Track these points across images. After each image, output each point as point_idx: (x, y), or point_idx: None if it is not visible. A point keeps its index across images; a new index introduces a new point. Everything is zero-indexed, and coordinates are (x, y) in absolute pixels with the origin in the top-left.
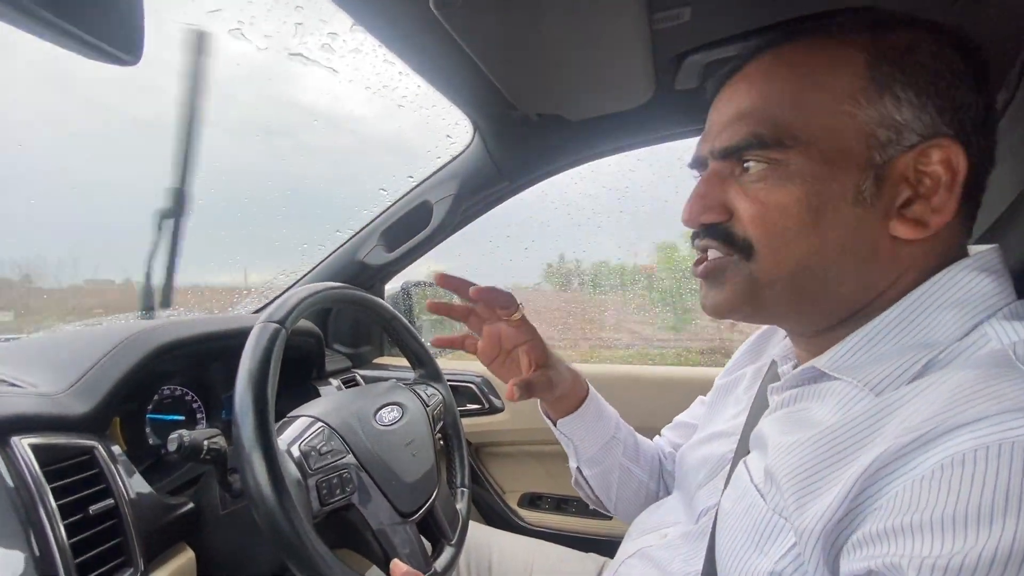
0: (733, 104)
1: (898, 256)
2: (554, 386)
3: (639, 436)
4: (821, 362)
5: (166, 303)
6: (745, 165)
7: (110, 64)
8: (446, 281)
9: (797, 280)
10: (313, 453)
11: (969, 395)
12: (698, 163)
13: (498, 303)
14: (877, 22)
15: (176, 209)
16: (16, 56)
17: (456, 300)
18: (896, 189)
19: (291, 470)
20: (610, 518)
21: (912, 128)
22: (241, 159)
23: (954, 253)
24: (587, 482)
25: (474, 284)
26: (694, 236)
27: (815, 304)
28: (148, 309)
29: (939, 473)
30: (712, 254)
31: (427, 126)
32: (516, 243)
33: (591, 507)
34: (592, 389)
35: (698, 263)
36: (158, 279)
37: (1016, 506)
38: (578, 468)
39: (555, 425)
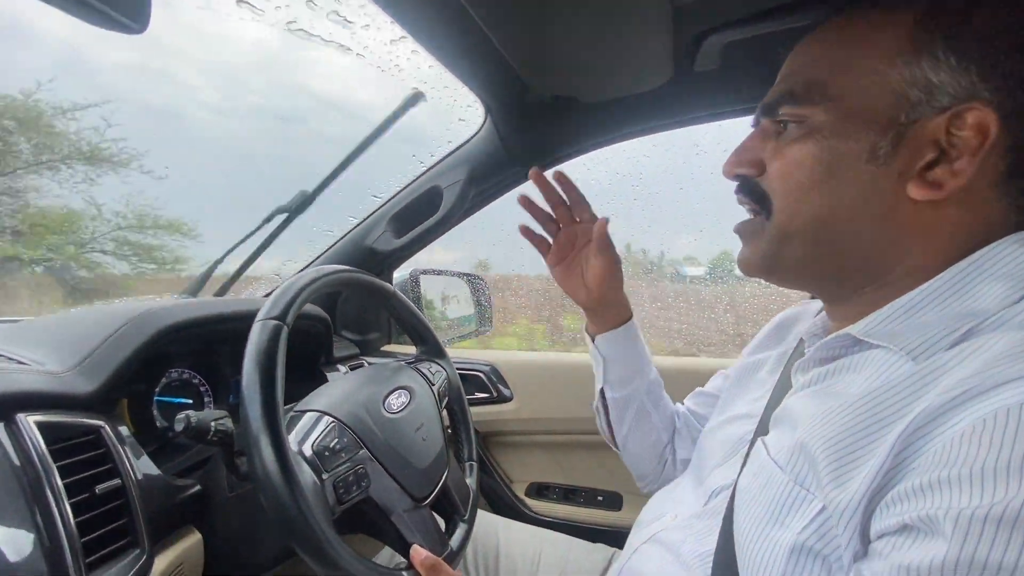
0: (786, 68)
1: (923, 221)
2: (614, 280)
3: (664, 393)
4: (856, 328)
5: (223, 291)
6: (783, 123)
7: (118, 32)
8: (539, 179)
9: (811, 236)
10: (327, 453)
11: (1014, 355)
12: (755, 122)
13: (578, 202)
14: None
15: (296, 209)
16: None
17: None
18: (920, 150)
19: (306, 472)
20: (619, 509)
21: (947, 90)
22: (254, 145)
23: (1000, 228)
24: (605, 407)
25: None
26: (735, 188)
27: (832, 262)
28: (194, 292)
29: (979, 427)
30: (743, 200)
31: (440, 113)
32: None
33: (605, 438)
34: (634, 320)
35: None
36: (231, 266)
37: None
38: (601, 390)
39: (593, 341)
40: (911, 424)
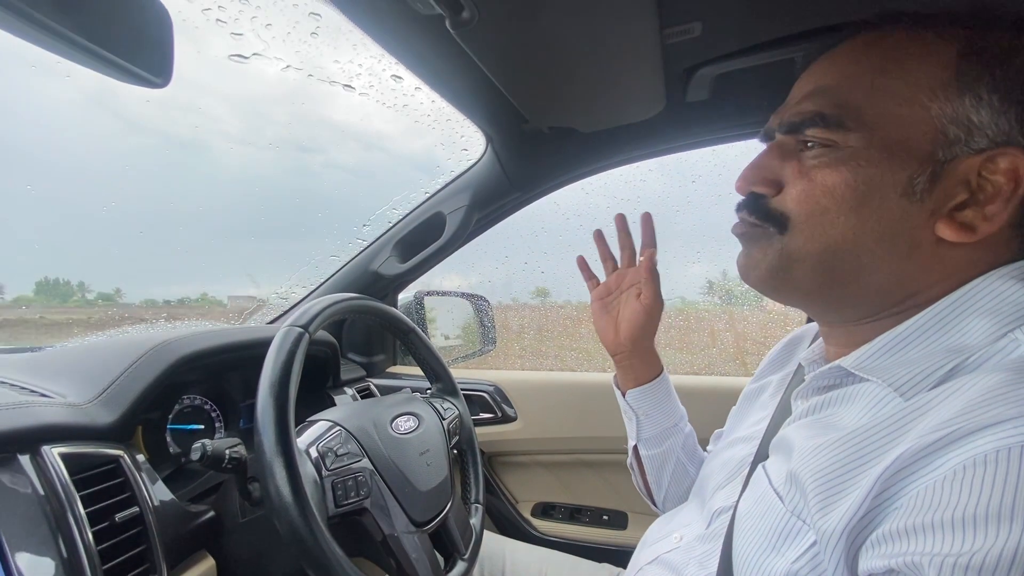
0: (812, 81)
1: (939, 258)
2: (646, 328)
3: (698, 446)
4: (847, 362)
5: None
6: (808, 143)
7: (141, 86)
8: (620, 223)
9: (826, 261)
10: (330, 454)
11: (993, 398)
12: (767, 135)
13: (647, 232)
14: (979, 20)
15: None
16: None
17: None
18: (952, 189)
19: (308, 469)
20: (624, 528)
21: (985, 132)
22: (275, 174)
23: (994, 264)
24: (641, 465)
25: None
26: (739, 204)
27: (842, 290)
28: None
29: (960, 473)
30: (747, 219)
31: (452, 142)
32: (522, 256)
33: (642, 495)
34: (666, 373)
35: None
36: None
37: None
38: (635, 448)
39: (624, 396)
40: (894, 464)
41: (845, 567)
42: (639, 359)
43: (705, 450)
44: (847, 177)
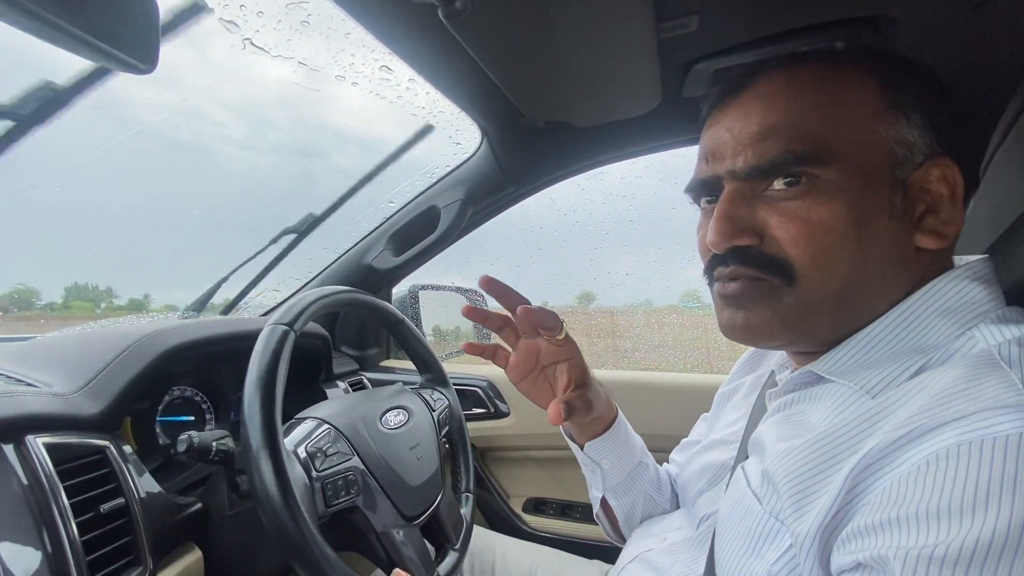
0: (752, 121)
1: (920, 267)
2: (592, 407)
3: (660, 469)
4: (819, 366)
5: (229, 310)
6: (775, 183)
7: (127, 72)
8: (491, 286)
9: (844, 302)
10: (319, 454)
11: (953, 394)
12: (705, 187)
13: (544, 324)
14: (874, 52)
15: (305, 231)
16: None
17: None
18: (915, 203)
19: (297, 471)
20: None
21: (919, 148)
22: (277, 178)
23: (946, 264)
24: (611, 514)
25: (522, 297)
26: (718, 261)
27: (852, 319)
28: (198, 310)
29: (924, 468)
30: (745, 273)
31: (451, 144)
32: (520, 257)
33: (612, 540)
34: (619, 411)
35: (725, 281)
36: (238, 286)
37: (996, 498)
38: (603, 499)
39: (581, 449)
40: (861, 461)
41: (820, 568)
42: (596, 414)
43: (665, 462)
44: (840, 210)
